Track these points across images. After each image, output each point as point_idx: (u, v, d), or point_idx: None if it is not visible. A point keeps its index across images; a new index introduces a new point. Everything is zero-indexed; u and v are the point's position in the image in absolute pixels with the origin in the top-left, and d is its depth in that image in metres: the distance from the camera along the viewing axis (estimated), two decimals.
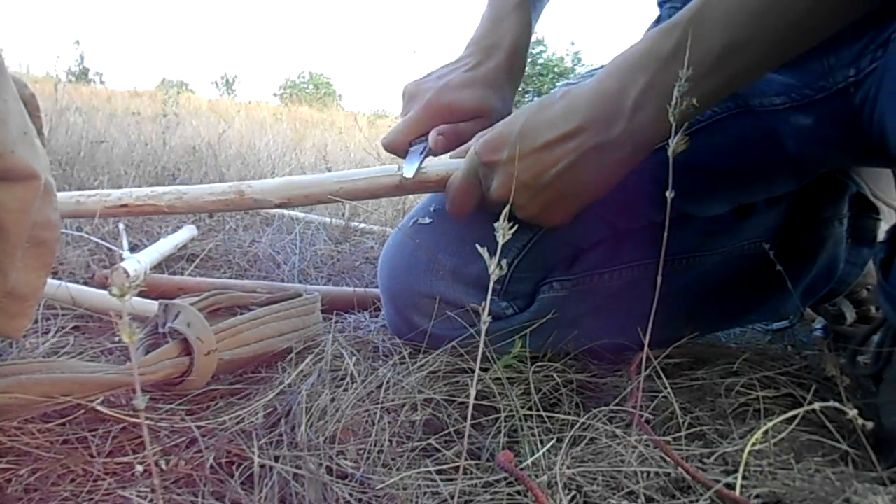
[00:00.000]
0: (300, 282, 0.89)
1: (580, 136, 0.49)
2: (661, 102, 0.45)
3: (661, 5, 0.73)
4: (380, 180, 0.61)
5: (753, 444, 0.43)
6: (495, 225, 0.33)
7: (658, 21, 0.72)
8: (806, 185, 0.69)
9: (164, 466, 0.41)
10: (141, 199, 0.63)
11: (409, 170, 0.59)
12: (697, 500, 0.40)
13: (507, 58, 0.66)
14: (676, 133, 0.43)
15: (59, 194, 0.63)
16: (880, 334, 0.52)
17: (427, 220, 0.65)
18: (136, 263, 0.78)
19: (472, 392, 0.35)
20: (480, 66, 0.66)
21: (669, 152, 0.43)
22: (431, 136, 0.62)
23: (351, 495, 0.40)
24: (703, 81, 0.45)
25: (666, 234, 0.45)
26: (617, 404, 0.52)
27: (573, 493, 0.40)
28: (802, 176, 0.64)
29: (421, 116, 0.63)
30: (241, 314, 0.57)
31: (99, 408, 0.46)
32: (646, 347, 0.47)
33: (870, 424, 0.39)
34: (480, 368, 0.36)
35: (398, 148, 0.64)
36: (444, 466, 0.44)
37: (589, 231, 0.63)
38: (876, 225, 0.72)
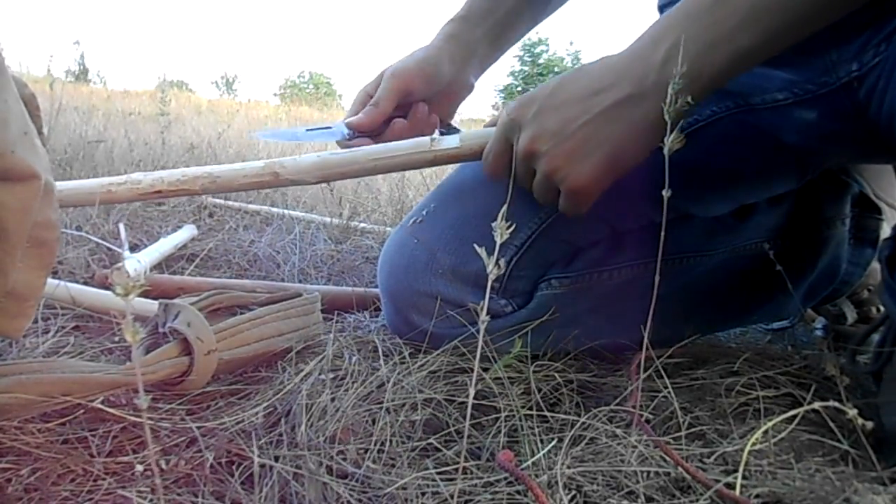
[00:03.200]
0: (300, 281, 0.89)
1: (612, 89, 0.49)
2: (692, 56, 0.45)
3: (661, 9, 0.73)
4: (414, 155, 0.61)
5: (753, 444, 0.43)
6: (493, 224, 0.33)
7: None
8: (808, 186, 0.69)
9: (164, 466, 0.41)
10: (173, 183, 0.62)
11: (449, 142, 0.60)
12: (697, 500, 0.40)
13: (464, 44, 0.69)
14: (672, 132, 0.43)
15: (90, 182, 0.64)
16: (881, 333, 0.52)
17: (426, 219, 0.65)
18: (137, 263, 0.78)
19: (472, 392, 0.35)
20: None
21: (665, 150, 0.43)
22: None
23: (351, 495, 0.40)
24: (738, 36, 0.45)
25: (663, 234, 0.45)
26: (617, 404, 0.52)
27: (573, 492, 0.40)
28: (804, 172, 0.64)
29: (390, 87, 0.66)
30: (241, 314, 0.57)
31: (100, 406, 0.46)
32: (645, 347, 0.47)
33: (870, 424, 0.39)
34: (480, 368, 0.37)
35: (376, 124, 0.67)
36: (445, 466, 0.44)
37: (588, 230, 0.63)
38: (878, 225, 0.72)
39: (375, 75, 0.70)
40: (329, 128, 0.68)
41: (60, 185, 0.64)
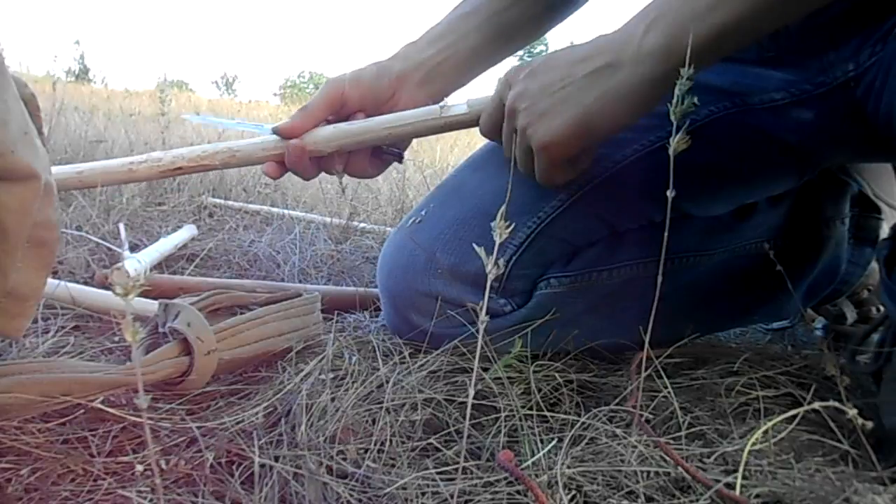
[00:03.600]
0: (300, 281, 0.89)
1: (594, 58, 0.51)
2: (670, 29, 0.47)
3: None
4: (426, 122, 0.63)
5: (753, 444, 0.43)
6: (492, 224, 0.33)
7: None
8: (807, 186, 0.69)
9: (164, 466, 0.41)
10: (194, 159, 0.63)
11: (458, 108, 0.62)
12: (697, 500, 0.40)
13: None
14: (678, 132, 0.43)
15: (111, 162, 0.65)
16: (881, 332, 0.52)
17: (425, 220, 0.65)
18: (137, 263, 0.78)
19: (472, 392, 0.35)
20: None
21: (671, 151, 0.43)
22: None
23: (351, 495, 0.40)
24: (716, 11, 0.46)
25: (666, 234, 0.45)
26: (617, 404, 0.52)
27: (573, 492, 0.40)
28: (803, 172, 0.64)
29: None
30: (242, 314, 0.57)
31: (100, 406, 0.46)
32: (646, 347, 0.47)
33: (870, 424, 0.39)
34: (480, 368, 0.37)
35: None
36: (445, 466, 0.44)
37: (587, 229, 0.63)
38: (878, 225, 0.72)
39: None
40: (259, 126, 0.69)
41: (83, 166, 0.65)
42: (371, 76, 0.66)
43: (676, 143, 0.43)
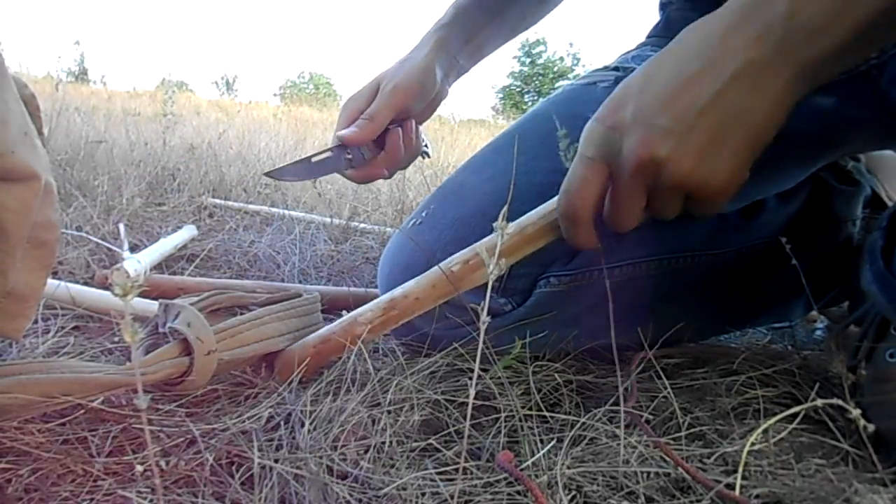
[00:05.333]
0: (300, 282, 0.89)
1: (722, 60, 0.40)
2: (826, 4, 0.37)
3: (663, 7, 0.73)
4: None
5: (753, 444, 0.43)
6: (494, 225, 0.33)
7: (666, 23, 0.72)
8: (820, 186, 0.68)
9: (164, 466, 0.41)
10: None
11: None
12: (697, 500, 0.40)
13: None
14: None
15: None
16: (863, 326, 0.51)
17: (425, 221, 0.65)
18: (136, 263, 0.78)
19: (472, 392, 0.35)
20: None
21: None
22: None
23: (351, 495, 0.40)
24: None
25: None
26: (617, 404, 0.52)
27: (573, 493, 0.40)
28: (817, 161, 0.63)
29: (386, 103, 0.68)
30: (241, 314, 0.57)
31: (100, 407, 0.46)
32: (646, 347, 0.47)
33: (871, 426, 0.39)
34: (480, 368, 0.36)
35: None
36: (445, 467, 0.44)
37: None
38: None
39: (366, 85, 0.72)
40: (330, 153, 0.70)
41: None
42: (430, 79, 0.69)
43: None
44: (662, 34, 0.73)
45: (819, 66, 0.39)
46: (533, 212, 0.52)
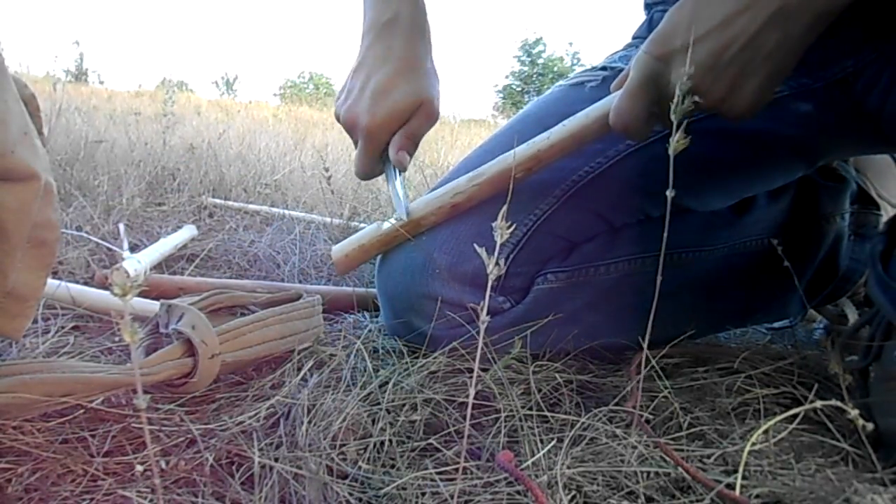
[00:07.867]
0: (300, 282, 0.89)
1: (758, 4, 0.47)
2: None
3: (648, 7, 0.73)
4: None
5: (753, 444, 0.43)
6: (493, 224, 0.33)
7: (650, 23, 0.72)
8: (807, 182, 0.69)
9: (164, 466, 0.41)
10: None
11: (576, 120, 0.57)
12: (697, 500, 0.40)
13: (410, 26, 0.67)
14: (677, 131, 0.43)
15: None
16: (871, 328, 0.52)
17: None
18: (136, 263, 0.78)
19: (472, 392, 0.35)
20: (391, 53, 0.67)
21: (671, 151, 0.43)
22: (393, 158, 0.66)
23: (351, 495, 0.40)
24: None
25: (666, 233, 0.45)
26: (617, 404, 0.52)
27: (573, 493, 0.40)
28: (804, 164, 0.64)
29: (371, 144, 0.66)
30: (242, 314, 0.57)
31: (100, 407, 0.46)
32: (646, 347, 0.47)
33: (871, 425, 0.39)
34: (480, 368, 0.37)
35: (376, 175, 0.69)
36: (444, 466, 0.44)
37: (583, 225, 0.63)
38: (877, 220, 0.73)
39: (400, 96, 0.67)
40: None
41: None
42: (395, 75, 0.67)
43: (676, 143, 0.43)
44: (647, 35, 0.73)
45: (831, 18, 0.45)
46: (580, 113, 0.57)
